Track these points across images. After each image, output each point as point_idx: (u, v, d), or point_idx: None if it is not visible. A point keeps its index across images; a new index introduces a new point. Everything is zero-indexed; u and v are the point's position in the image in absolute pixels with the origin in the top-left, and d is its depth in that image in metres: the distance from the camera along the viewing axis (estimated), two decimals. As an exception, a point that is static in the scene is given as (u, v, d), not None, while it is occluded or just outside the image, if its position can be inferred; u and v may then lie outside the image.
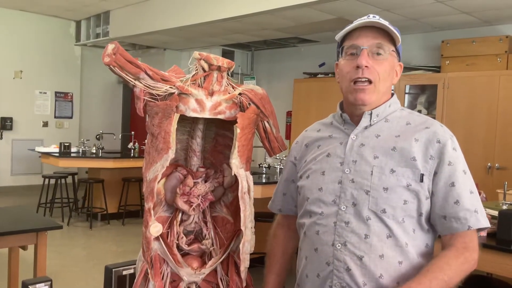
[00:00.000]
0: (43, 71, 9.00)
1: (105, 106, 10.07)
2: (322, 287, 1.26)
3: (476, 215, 1.20)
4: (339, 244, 1.22)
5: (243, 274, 1.38)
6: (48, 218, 2.98)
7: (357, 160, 1.27)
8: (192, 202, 1.42)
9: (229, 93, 1.38)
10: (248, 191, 1.35)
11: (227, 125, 1.47)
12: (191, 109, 1.35)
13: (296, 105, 7.06)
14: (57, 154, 6.63)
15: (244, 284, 1.39)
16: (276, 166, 5.29)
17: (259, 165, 5.28)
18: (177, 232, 1.44)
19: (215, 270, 1.43)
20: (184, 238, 1.44)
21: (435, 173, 1.22)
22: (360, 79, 1.26)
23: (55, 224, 3.09)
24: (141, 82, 1.32)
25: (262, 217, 4.35)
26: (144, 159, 1.38)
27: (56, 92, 9.28)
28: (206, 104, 1.35)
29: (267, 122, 1.45)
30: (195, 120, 1.48)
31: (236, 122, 1.34)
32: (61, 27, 9.19)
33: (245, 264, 1.37)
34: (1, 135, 8.65)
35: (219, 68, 1.35)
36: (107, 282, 1.73)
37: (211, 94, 1.36)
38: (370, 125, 1.30)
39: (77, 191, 7.09)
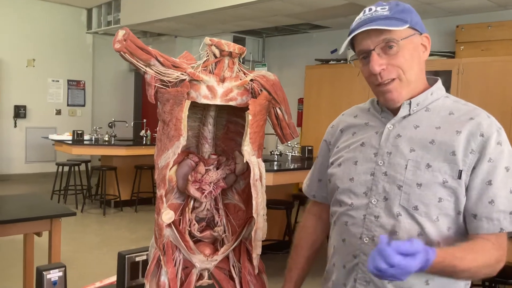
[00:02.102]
0: (55, 60, 9.05)
1: (117, 94, 10.12)
2: (347, 278, 1.25)
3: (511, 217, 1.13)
4: (367, 238, 1.20)
5: (255, 261, 1.38)
6: (62, 205, 3.02)
7: (392, 152, 1.21)
8: (204, 189, 1.42)
9: (240, 80, 1.36)
10: (260, 178, 1.34)
11: (239, 112, 1.46)
12: (202, 96, 1.34)
13: (308, 92, 7.01)
14: (70, 142, 6.69)
15: (257, 271, 1.39)
16: (288, 154, 5.28)
17: (271, 152, 5.28)
18: (189, 219, 1.44)
19: (227, 257, 1.43)
20: (196, 225, 1.44)
21: (474, 168, 1.14)
22: (382, 83, 1.21)
23: (69, 211, 3.12)
24: (152, 69, 1.31)
25: (274, 204, 4.36)
26: (156, 146, 1.38)
27: (68, 80, 9.34)
28: (217, 90, 1.34)
29: (279, 108, 1.43)
30: (206, 107, 1.47)
31: (248, 109, 1.33)
32: (72, 15, 9.22)
33: (257, 251, 1.36)
34: (15, 123, 8.75)
35: (230, 54, 1.34)
36: (120, 269, 1.74)
37: (222, 80, 1.35)
38: (409, 114, 1.23)
39: (90, 179, 7.16)
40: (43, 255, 3.16)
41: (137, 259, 1.76)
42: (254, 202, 1.32)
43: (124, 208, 6.79)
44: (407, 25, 1.18)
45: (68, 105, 9.39)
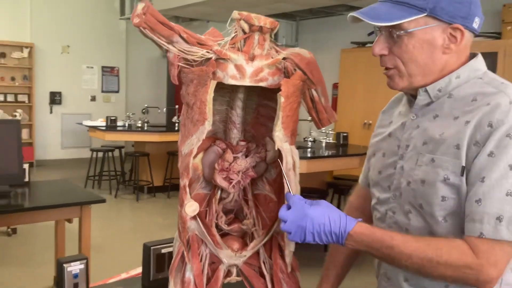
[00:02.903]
0: (90, 46, 9.11)
1: (151, 80, 10.13)
2: (378, 271, 1.24)
3: (498, 223, 0.94)
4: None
5: (288, 259, 1.25)
6: (93, 192, 3.00)
7: (409, 145, 1.12)
8: (232, 179, 1.30)
9: (272, 58, 1.23)
10: (293, 167, 1.21)
11: (270, 93, 1.32)
12: (230, 76, 1.21)
13: (343, 77, 6.79)
14: (103, 128, 6.72)
15: (289, 269, 1.27)
16: (322, 140, 5.12)
17: (304, 139, 5.12)
18: (216, 211, 1.33)
19: (257, 253, 1.31)
20: (224, 217, 1.33)
21: (473, 161, 0.99)
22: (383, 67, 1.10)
23: (99, 197, 3.08)
24: (174, 46, 1.19)
25: (308, 192, 4.22)
26: (180, 132, 1.26)
27: (102, 67, 9.40)
28: (246, 70, 1.21)
29: (315, 90, 1.29)
30: (234, 88, 1.34)
31: (280, 90, 1.20)
32: (106, 1, 9.24)
33: (290, 248, 1.24)
34: (51, 109, 8.89)
35: (261, 29, 1.20)
36: (145, 261, 1.66)
37: (252, 59, 1.22)
38: (432, 102, 1.10)
39: (123, 164, 7.20)
40: (76, 240, 3.14)
41: (163, 251, 1.67)
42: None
43: (157, 194, 6.80)
44: (422, 14, 1.02)
45: (102, 91, 9.47)
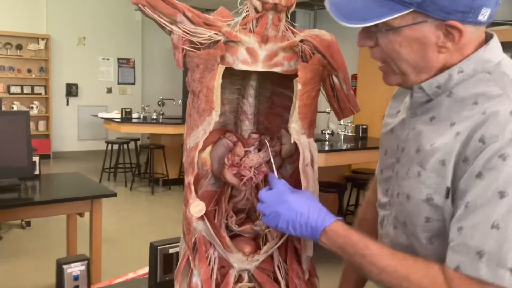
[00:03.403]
0: (105, 38, 9.06)
1: (166, 71, 10.05)
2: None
3: (478, 259, 0.78)
4: (384, 241, 1.04)
5: (305, 264, 1.13)
6: (106, 185, 2.94)
7: (404, 148, 0.98)
8: (243, 175, 1.17)
9: (288, 40, 1.09)
10: (311, 163, 1.08)
11: (286, 81, 1.19)
12: (241, 61, 1.08)
13: (362, 68, 6.61)
14: (118, 120, 6.66)
15: (307, 276, 1.14)
16: (340, 133, 4.96)
17: (322, 131, 4.97)
18: (225, 210, 1.21)
19: (271, 256, 1.18)
20: (234, 217, 1.21)
21: (460, 181, 0.83)
22: None
23: (110, 191, 2.99)
24: (178, 27, 1.06)
25: (325, 187, 4.08)
26: (186, 123, 1.14)
27: (118, 59, 9.35)
28: (259, 53, 1.08)
29: (336, 76, 1.15)
30: (246, 75, 1.21)
31: (297, 76, 1.07)
32: (121, -8, 9.16)
33: (308, 253, 1.11)
34: (67, 101, 8.88)
35: (275, 7, 1.07)
36: (152, 261, 1.55)
37: (265, 41, 1.08)
38: (431, 100, 0.93)
39: (139, 157, 7.14)
40: (89, 235, 3.06)
41: (170, 251, 1.56)
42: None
43: (172, 187, 6.73)
44: (407, 10, 0.84)
45: (118, 83, 9.43)
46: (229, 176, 1.17)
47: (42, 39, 8.34)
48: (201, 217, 1.12)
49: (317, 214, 0.94)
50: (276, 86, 1.25)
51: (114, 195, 2.92)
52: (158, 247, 1.53)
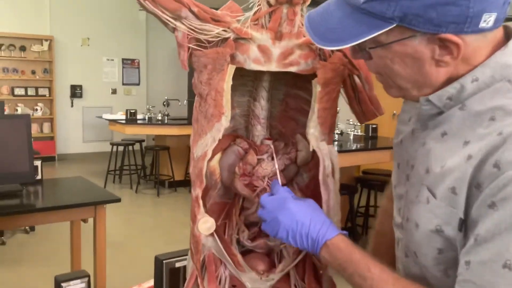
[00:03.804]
0: (110, 38, 8.98)
1: (171, 72, 9.96)
2: None
3: None
4: (399, 266, 0.93)
5: (326, 285, 1.02)
6: (110, 189, 2.86)
7: (414, 166, 0.85)
8: (256, 186, 1.07)
9: (304, 36, 0.99)
10: (332, 173, 0.98)
11: (301, 81, 1.09)
12: (252, 60, 0.98)
13: (370, 65, 6.46)
14: (123, 121, 6.58)
15: (327, 297, 1.04)
16: (350, 133, 4.85)
17: (331, 131, 4.85)
18: (236, 224, 1.10)
19: (287, 275, 1.08)
20: (246, 231, 1.10)
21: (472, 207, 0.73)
22: None
23: (114, 197, 2.89)
24: (183, 23, 0.96)
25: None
26: (192, 130, 1.04)
27: (123, 59, 9.27)
28: (272, 52, 0.98)
29: (357, 76, 1.04)
30: (258, 75, 1.11)
31: (314, 77, 0.96)
32: (125, -8, 9.08)
33: (329, 272, 1.00)
34: (72, 102, 8.81)
35: (290, 1, 0.96)
36: (157, 276, 1.44)
37: (279, 38, 0.98)
38: (442, 112, 0.80)
39: (144, 158, 7.06)
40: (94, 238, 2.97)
41: (177, 265, 1.45)
42: (324, 206, 0.96)
43: (178, 189, 6.63)
44: (389, 26, 0.72)
45: (123, 84, 9.35)
46: (241, 186, 1.07)
47: (46, 40, 8.28)
48: (211, 233, 1.02)
49: (319, 226, 0.86)
50: (290, 87, 1.14)
51: (118, 200, 2.82)
52: (164, 261, 1.42)
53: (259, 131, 1.12)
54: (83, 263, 3.21)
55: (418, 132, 0.86)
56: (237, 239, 1.10)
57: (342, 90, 1.06)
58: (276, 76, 1.11)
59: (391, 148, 4.38)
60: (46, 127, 8.52)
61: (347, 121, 4.87)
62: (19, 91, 8.16)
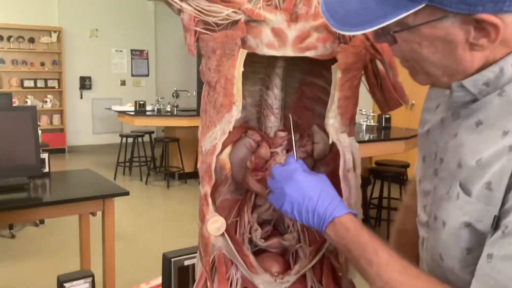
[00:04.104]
0: (118, 29, 8.91)
1: (181, 62, 9.88)
2: None
3: None
4: (423, 266, 0.85)
5: (346, 288, 0.94)
6: (118, 181, 2.81)
7: (443, 160, 0.77)
8: (269, 181, 0.98)
9: (322, 17, 0.90)
10: (353, 168, 0.89)
11: (318, 68, 1.00)
12: (265, 44, 0.89)
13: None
14: (132, 113, 6.53)
15: (347, 301, 0.96)
16: (362, 123, 4.74)
17: (343, 121, 4.74)
18: (248, 222, 1.02)
19: (303, 277, 1.00)
20: (259, 230, 1.02)
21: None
22: None
23: (122, 190, 2.83)
24: (190, 4, 0.87)
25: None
26: (200, 121, 0.96)
27: (132, 50, 9.20)
28: (287, 35, 0.89)
29: (380, 61, 0.95)
30: (271, 61, 1.02)
31: (334, 62, 0.87)
32: (133, -18, 8.99)
33: (350, 275, 0.92)
34: (81, 94, 8.78)
35: (306, -22, 0.87)
36: (165, 275, 1.38)
37: (294, 19, 0.89)
38: (476, 99, 0.71)
39: (154, 150, 7.01)
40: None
41: (186, 263, 1.38)
42: (345, 203, 0.87)
43: (188, 181, 6.58)
44: (417, 7, 0.64)
45: (132, 75, 9.29)
46: (252, 182, 0.99)
47: (54, 31, 8.23)
48: (221, 233, 0.94)
49: (328, 202, 0.80)
50: (306, 74, 1.06)
51: (127, 193, 2.76)
52: (172, 259, 1.35)
53: (273, 122, 1.04)
54: (92, 257, 3.17)
55: (448, 121, 0.78)
56: (250, 239, 1.02)
57: (362, 77, 0.97)
58: (290, 62, 1.03)
59: (405, 138, 4.29)
60: (56, 119, 8.50)
61: (359, 111, 4.76)
62: (28, 83, 8.14)
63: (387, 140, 4.36)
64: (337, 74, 0.84)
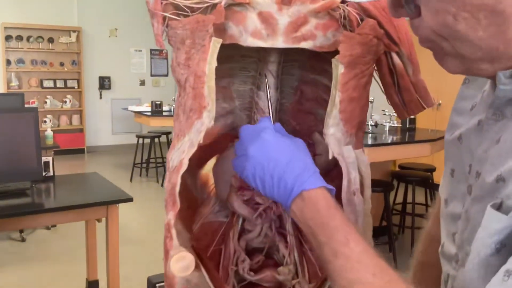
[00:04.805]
0: (137, 29, 8.84)
1: (200, 62, 9.75)
2: None
3: None
4: None
5: None
6: (121, 189, 2.69)
7: (480, 174, 0.59)
8: (258, 203, 0.80)
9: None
10: (361, 189, 0.70)
11: (320, 62, 0.81)
12: (251, 33, 0.71)
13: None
14: (148, 113, 6.42)
15: None
16: (385, 124, 4.50)
17: (365, 122, 4.51)
18: (235, 251, 0.84)
19: (301, 319, 0.81)
20: (248, 261, 0.84)
21: None
22: None
23: (126, 196, 2.69)
24: (153, -17, 0.70)
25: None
26: (173, 129, 0.78)
27: (151, 50, 9.13)
28: (278, 21, 0.71)
29: (397, 53, 0.76)
30: (262, 56, 0.84)
31: (337, 53, 0.69)
32: (152, -19, 8.90)
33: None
34: (100, 94, 8.74)
35: None
36: (150, 301, 1.21)
37: (287, 2, 0.71)
38: None
39: (171, 151, 6.90)
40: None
41: None
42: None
43: (205, 183, 6.44)
44: None
45: (151, 75, 9.21)
46: (238, 203, 0.81)
47: (74, 31, 8.21)
48: (197, 266, 0.76)
49: (299, 170, 0.61)
50: (306, 71, 0.87)
51: (130, 200, 2.62)
52: (157, 284, 1.18)
53: (265, 129, 0.85)
54: (102, 262, 3.05)
55: (489, 124, 0.59)
56: (236, 271, 0.84)
57: (375, 74, 0.78)
58: (287, 56, 0.84)
59: (431, 141, 4.04)
60: (75, 119, 8.48)
61: (382, 112, 4.52)
62: (47, 83, 8.14)
63: (411, 142, 4.12)
64: (339, 69, 0.65)
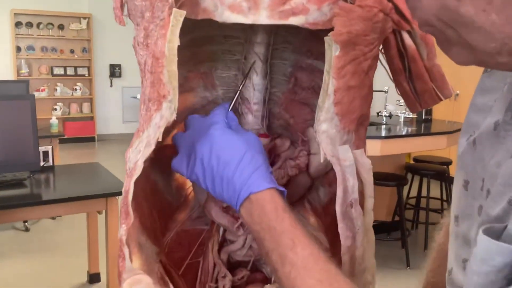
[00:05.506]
0: (148, 15, 8.71)
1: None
2: None
3: None
4: None
5: None
6: (122, 181, 2.59)
7: (490, 192, 0.46)
8: (240, 211, 0.68)
9: (316, -36, 0.57)
10: (361, 199, 0.57)
11: (318, 44, 0.68)
12: (228, 5, 0.58)
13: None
14: (158, 102, 6.33)
15: None
16: (400, 115, 4.33)
17: (378, 113, 4.35)
18: (214, 265, 0.72)
19: None
20: (229, 277, 0.72)
21: None
22: None
23: (126, 187, 2.58)
24: None
25: (382, 179, 3.50)
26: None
27: (162, 37, 9.00)
28: (261, -9, 0.57)
29: (409, 33, 0.62)
30: (249, 36, 0.71)
31: (332, 31, 0.55)
32: (164, -33, 8.76)
33: None
34: (111, 82, 8.66)
35: None
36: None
37: (273, -32, 0.57)
38: None
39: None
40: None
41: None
42: (345, 256, 0.56)
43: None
44: None
45: (162, 63, 9.11)
46: (216, 211, 0.68)
47: (84, 18, 8.12)
48: (165, 284, 0.64)
49: (249, 171, 0.57)
50: (301, 55, 0.74)
51: (130, 192, 2.51)
52: None
53: (251, 122, 0.72)
54: (101, 255, 2.97)
55: (506, 130, 0.46)
56: (215, 289, 0.72)
57: (382, 57, 0.64)
58: (278, 37, 0.71)
59: (447, 133, 3.86)
60: (86, 107, 8.43)
61: (397, 102, 4.35)
62: (58, 71, 8.08)
63: (427, 134, 3.94)
64: (333, 50, 0.52)
